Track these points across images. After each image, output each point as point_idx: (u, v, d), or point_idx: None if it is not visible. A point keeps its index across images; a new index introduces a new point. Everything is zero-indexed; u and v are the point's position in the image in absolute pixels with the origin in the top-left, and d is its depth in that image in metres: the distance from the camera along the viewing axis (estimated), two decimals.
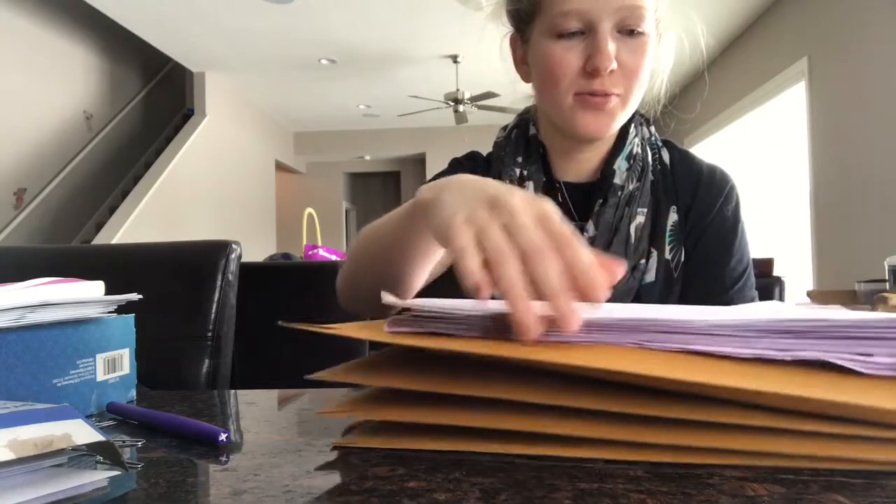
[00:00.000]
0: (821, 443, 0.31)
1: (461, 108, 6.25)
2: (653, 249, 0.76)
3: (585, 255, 0.35)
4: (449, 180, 0.45)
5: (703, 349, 0.33)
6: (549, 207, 0.38)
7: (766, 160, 4.76)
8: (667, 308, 0.44)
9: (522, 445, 0.34)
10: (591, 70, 0.69)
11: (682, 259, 0.77)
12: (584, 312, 0.35)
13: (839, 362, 0.31)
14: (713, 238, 0.78)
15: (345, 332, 0.37)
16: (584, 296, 0.34)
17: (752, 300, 0.78)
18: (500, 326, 0.35)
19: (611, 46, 0.68)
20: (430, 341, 0.35)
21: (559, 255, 0.35)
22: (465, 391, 0.34)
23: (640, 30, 0.70)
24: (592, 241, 0.75)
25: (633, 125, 0.80)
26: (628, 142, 0.79)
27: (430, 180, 0.86)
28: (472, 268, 0.35)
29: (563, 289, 0.34)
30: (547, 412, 0.34)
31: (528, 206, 0.38)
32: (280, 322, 0.36)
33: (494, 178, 0.82)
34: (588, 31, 0.70)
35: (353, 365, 0.40)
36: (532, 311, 0.34)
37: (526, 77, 0.81)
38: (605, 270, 0.36)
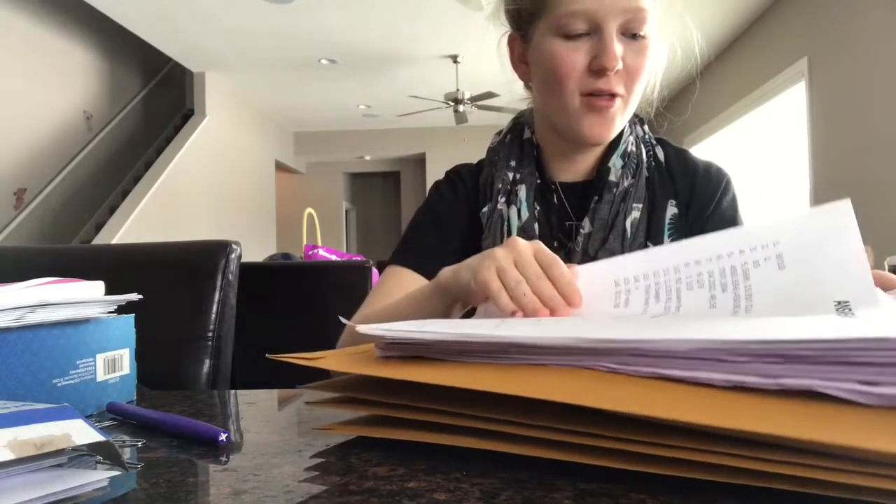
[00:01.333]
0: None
1: (461, 108, 6.25)
2: (649, 244, 0.76)
3: (567, 274, 0.51)
4: (461, 263, 0.60)
5: (676, 375, 0.30)
6: (539, 243, 0.54)
7: (766, 160, 4.77)
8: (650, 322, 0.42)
9: (513, 446, 0.33)
10: (597, 69, 0.70)
11: None
12: (565, 330, 0.37)
13: (834, 393, 0.27)
14: (716, 230, 0.79)
15: (331, 366, 0.38)
16: (568, 302, 0.50)
17: None
18: (469, 349, 0.37)
19: (618, 48, 0.69)
20: (409, 372, 0.35)
21: (550, 275, 0.51)
22: (446, 419, 0.34)
23: (642, 33, 0.71)
24: (588, 238, 0.76)
25: (628, 124, 0.81)
26: (623, 140, 0.80)
27: (420, 210, 0.88)
28: (505, 303, 0.51)
29: (556, 297, 0.50)
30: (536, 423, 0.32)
31: (526, 244, 0.53)
32: (268, 355, 0.39)
33: (487, 182, 0.83)
34: (594, 32, 0.70)
35: (345, 381, 0.41)
36: (545, 310, 0.49)
37: (524, 76, 0.82)
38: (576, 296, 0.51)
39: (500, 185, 0.81)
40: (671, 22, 0.80)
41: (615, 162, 0.79)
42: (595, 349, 0.33)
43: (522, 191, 0.80)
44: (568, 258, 0.77)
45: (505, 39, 0.83)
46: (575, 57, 0.71)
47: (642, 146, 0.82)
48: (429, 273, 0.78)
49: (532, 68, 0.79)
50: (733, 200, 0.81)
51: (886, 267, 2.26)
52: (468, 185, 0.86)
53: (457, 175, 0.88)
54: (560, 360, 0.34)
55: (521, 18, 0.78)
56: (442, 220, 0.84)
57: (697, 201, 0.80)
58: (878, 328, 0.29)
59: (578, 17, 0.70)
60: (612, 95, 0.72)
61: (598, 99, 0.72)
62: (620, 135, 0.80)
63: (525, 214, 0.79)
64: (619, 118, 0.74)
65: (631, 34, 0.71)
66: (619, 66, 0.70)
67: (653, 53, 0.74)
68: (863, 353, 0.27)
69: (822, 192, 3.86)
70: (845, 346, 0.27)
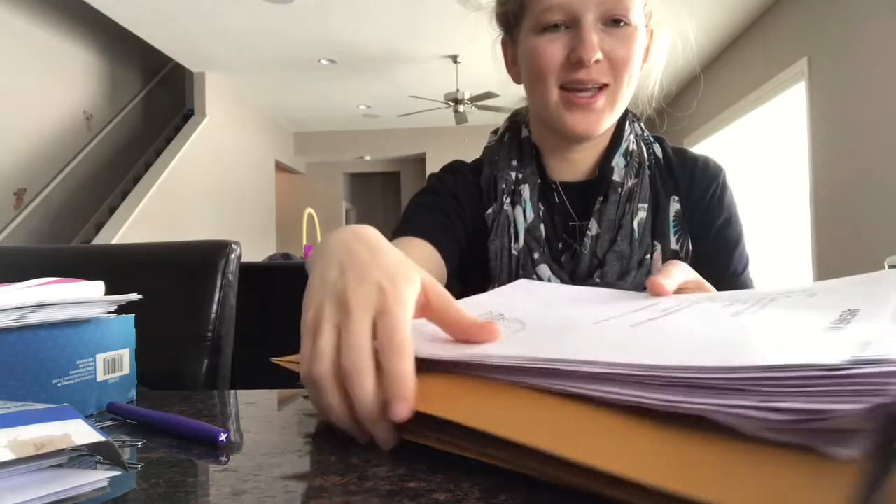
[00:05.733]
0: None
1: (461, 108, 6.25)
2: (656, 243, 0.76)
3: (406, 366, 0.33)
4: (326, 246, 0.43)
5: (586, 392, 0.31)
6: (393, 303, 0.35)
7: (766, 160, 4.77)
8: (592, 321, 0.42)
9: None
10: (575, 61, 0.69)
11: (691, 247, 0.78)
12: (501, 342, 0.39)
13: (723, 420, 0.26)
14: (718, 225, 0.80)
15: None
16: (390, 405, 0.33)
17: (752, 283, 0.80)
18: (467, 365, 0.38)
19: (595, 38, 0.69)
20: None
21: (383, 362, 0.34)
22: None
23: (626, 21, 0.70)
24: (596, 240, 0.76)
25: (627, 122, 0.81)
26: (624, 139, 0.80)
27: (420, 193, 0.85)
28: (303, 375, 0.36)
29: (374, 411, 0.34)
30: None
31: (368, 302, 0.36)
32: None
33: (490, 182, 0.82)
34: (572, 25, 0.70)
35: None
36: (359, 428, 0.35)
37: (517, 78, 0.82)
38: (485, 332, 0.38)
39: (503, 185, 0.80)
40: (667, 15, 0.80)
41: (618, 161, 0.78)
42: (520, 368, 0.34)
43: (526, 191, 0.79)
44: (573, 259, 0.77)
45: (499, 44, 0.83)
46: (553, 50, 0.70)
47: (642, 144, 0.81)
48: (438, 241, 0.74)
49: (520, 68, 0.79)
50: (731, 195, 0.82)
51: (886, 267, 2.26)
52: (469, 179, 0.85)
53: (456, 169, 0.87)
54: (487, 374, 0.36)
55: (509, 21, 0.79)
56: (445, 203, 0.81)
57: (694, 195, 0.80)
58: (818, 351, 0.28)
59: (555, 10, 0.69)
60: (600, 88, 0.71)
61: (578, 95, 0.71)
62: (621, 133, 0.80)
63: (531, 215, 0.78)
64: (608, 112, 0.73)
65: (614, 22, 0.70)
66: (598, 56, 0.69)
67: (641, 43, 0.73)
68: (754, 381, 0.26)
69: (823, 193, 3.86)
70: (736, 374, 0.26)
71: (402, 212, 0.83)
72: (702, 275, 0.76)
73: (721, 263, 0.78)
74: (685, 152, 0.84)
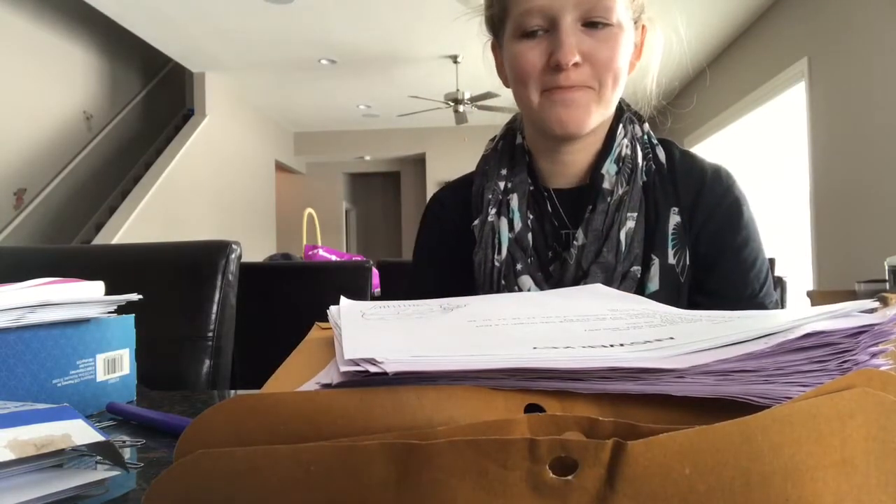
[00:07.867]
0: None
1: (461, 108, 6.24)
2: (654, 256, 0.72)
3: None
4: None
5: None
6: None
7: (766, 160, 4.77)
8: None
9: None
10: (553, 65, 0.68)
11: (688, 262, 0.73)
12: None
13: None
14: (735, 246, 0.75)
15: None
16: None
17: (776, 301, 0.76)
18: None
19: (572, 40, 0.67)
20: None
21: None
22: None
23: (606, 21, 0.68)
24: (582, 250, 0.73)
25: (620, 125, 0.77)
26: (616, 144, 0.76)
27: (414, 253, 0.87)
28: None
29: None
30: None
31: None
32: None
33: (478, 194, 0.81)
34: (551, 28, 0.69)
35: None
36: None
37: (506, 82, 0.80)
38: None
39: (490, 196, 0.79)
40: (665, 13, 0.78)
41: (609, 168, 0.75)
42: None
43: (514, 200, 0.78)
44: (562, 268, 0.75)
45: (489, 48, 0.82)
46: (533, 56, 0.70)
47: (638, 148, 0.77)
48: None
49: (507, 72, 0.78)
50: (749, 209, 0.76)
51: (886, 267, 2.25)
52: (451, 210, 0.85)
53: (438, 204, 0.87)
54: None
55: (495, 25, 0.78)
56: (434, 259, 0.85)
57: (704, 209, 0.75)
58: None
59: (534, 14, 0.68)
60: (576, 88, 0.70)
61: (558, 91, 0.70)
62: (613, 138, 0.77)
63: (518, 224, 0.76)
64: (594, 109, 0.71)
65: (594, 24, 0.68)
66: (577, 59, 0.68)
67: (627, 43, 0.71)
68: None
69: (823, 192, 3.86)
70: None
71: (408, 274, 0.87)
72: (717, 297, 0.73)
73: (739, 285, 0.74)
74: (693, 161, 0.78)
